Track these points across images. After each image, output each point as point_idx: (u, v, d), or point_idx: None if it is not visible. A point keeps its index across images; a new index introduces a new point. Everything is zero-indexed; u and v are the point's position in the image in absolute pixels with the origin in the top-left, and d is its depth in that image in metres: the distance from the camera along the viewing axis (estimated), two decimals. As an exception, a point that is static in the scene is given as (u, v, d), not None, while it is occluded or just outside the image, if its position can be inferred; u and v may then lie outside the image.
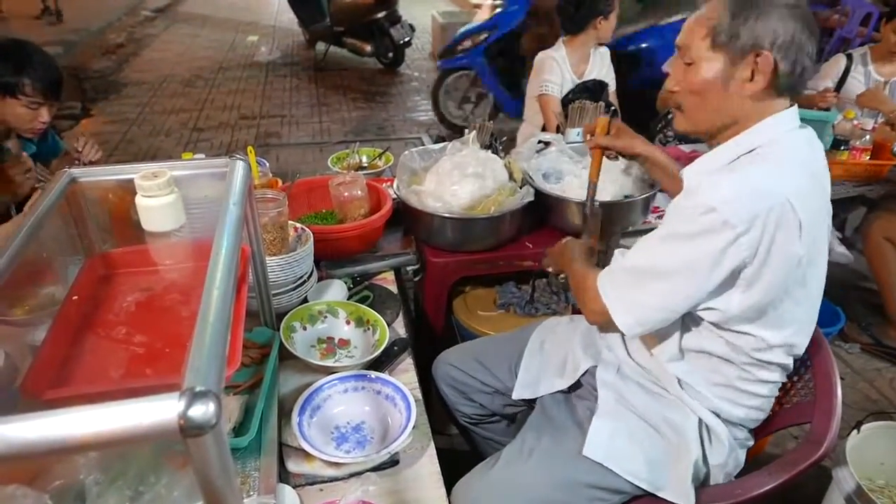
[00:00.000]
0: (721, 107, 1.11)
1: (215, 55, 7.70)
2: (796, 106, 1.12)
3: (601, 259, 1.47)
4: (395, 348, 1.44)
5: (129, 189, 0.96)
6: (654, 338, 1.23)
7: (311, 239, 1.56)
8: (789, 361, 1.20)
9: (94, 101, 5.93)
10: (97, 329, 0.93)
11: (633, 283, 1.13)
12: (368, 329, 1.48)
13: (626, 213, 1.98)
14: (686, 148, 2.72)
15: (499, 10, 4.84)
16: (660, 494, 1.18)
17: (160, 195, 0.94)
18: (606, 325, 1.21)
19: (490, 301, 2.01)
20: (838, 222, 3.25)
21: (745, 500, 1.17)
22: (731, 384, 1.19)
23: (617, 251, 1.25)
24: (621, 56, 3.04)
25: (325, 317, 1.51)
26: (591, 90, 2.79)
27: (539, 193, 1.88)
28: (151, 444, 0.87)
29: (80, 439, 0.49)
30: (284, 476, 1.15)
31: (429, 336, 2.01)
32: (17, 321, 1.00)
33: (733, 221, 0.99)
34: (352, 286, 1.69)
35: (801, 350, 1.20)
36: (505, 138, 2.16)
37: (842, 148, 2.63)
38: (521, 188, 1.89)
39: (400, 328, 1.58)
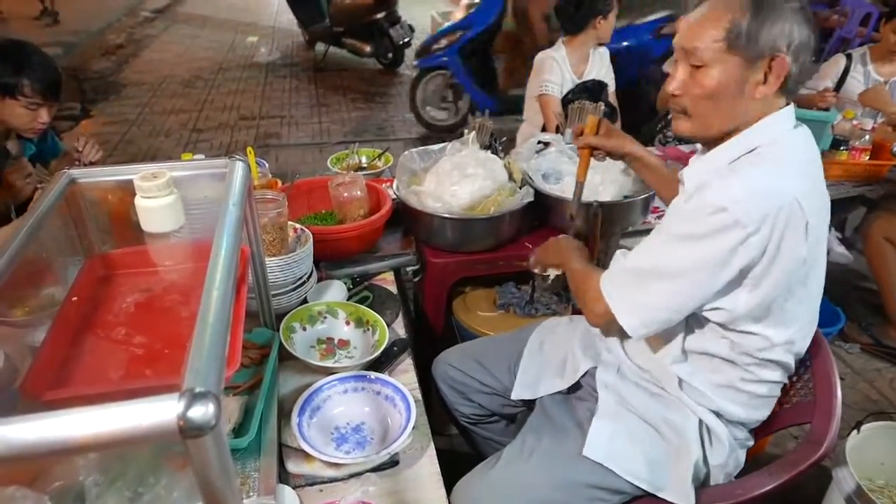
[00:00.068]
0: (732, 110, 1.09)
1: (215, 56, 7.70)
2: (793, 104, 1.12)
3: (601, 260, 1.47)
4: (395, 349, 1.44)
5: (128, 190, 0.96)
6: (657, 339, 1.23)
7: (311, 239, 1.56)
8: (791, 361, 1.20)
9: (93, 101, 5.94)
10: (97, 330, 0.93)
11: (638, 285, 1.13)
12: (368, 330, 1.48)
13: (625, 214, 1.98)
14: (685, 148, 2.72)
15: (473, 9, 4.84)
16: (660, 495, 1.18)
17: (160, 196, 0.94)
18: (609, 327, 1.21)
19: (490, 301, 2.01)
20: (838, 222, 3.26)
21: (746, 500, 1.17)
22: (733, 385, 1.19)
23: (619, 252, 1.25)
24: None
25: (325, 317, 1.51)
26: (590, 90, 2.80)
27: (539, 194, 1.88)
28: (151, 445, 0.87)
29: (80, 440, 0.49)
30: (284, 477, 1.15)
31: (429, 336, 2.01)
32: (16, 322, 1.00)
33: (744, 221, 0.99)
34: (351, 287, 1.69)
35: (802, 349, 1.21)
36: (505, 138, 2.16)
37: (841, 148, 2.63)
38: (520, 188, 1.89)
39: (400, 329, 1.58)
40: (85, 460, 0.87)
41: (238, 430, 1.12)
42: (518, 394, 1.45)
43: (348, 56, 6.96)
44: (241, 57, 7.69)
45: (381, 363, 1.40)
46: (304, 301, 1.55)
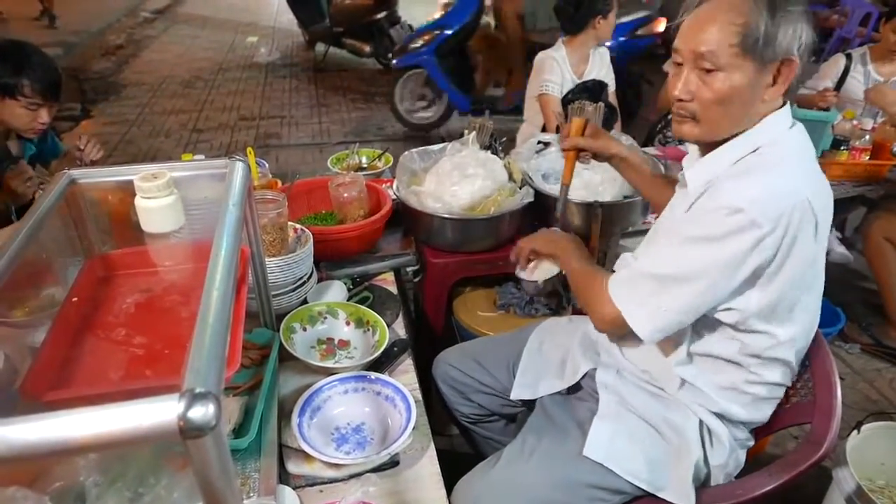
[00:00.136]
0: (743, 114, 1.08)
1: (215, 56, 7.70)
2: (789, 103, 1.12)
3: (600, 260, 1.46)
4: (395, 349, 1.44)
5: (128, 190, 0.96)
6: (662, 342, 1.21)
7: (311, 240, 1.56)
8: (794, 360, 1.20)
9: (93, 102, 5.94)
10: (97, 330, 0.93)
11: (651, 290, 1.11)
12: (368, 330, 1.48)
13: (625, 214, 1.98)
14: (686, 148, 2.72)
15: (449, 8, 4.83)
16: (660, 495, 1.18)
17: (160, 196, 0.94)
18: (617, 332, 1.19)
19: (490, 301, 2.01)
20: (838, 222, 3.26)
21: (746, 500, 1.17)
22: (737, 387, 1.19)
23: (628, 255, 1.24)
24: None
25: (325, 318, 1.51)
26: (590, 90, 2.79)
27: (538, 194, 1.88)
28: (151, 445, 0.87)
29: (80, 441, 0.49)
30: (284, 477, 1.15)
31: (429, 337, 2.01)
32: (16, 323, 0.99)
33: (760, 221, 0.99)
34: (351, 287, 1.69)
35: (805, 347, 1.21)
36: (505, 139, 2.16)
37: (841, 148, 2.63)
38: (520, 189, 1.89)
39: (400, 329, 1.58)
40: (85, 461, 0.87)
41: (238, 431, 1.12)
42: (517, 394, 1.45)
43: (348, 56, 6.96)
44: (241, 57, 7.69)
45: (382, 363, 1.40)
46: (305, 301, 1.55)
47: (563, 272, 1.44)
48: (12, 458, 0.49)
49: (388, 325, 1.49)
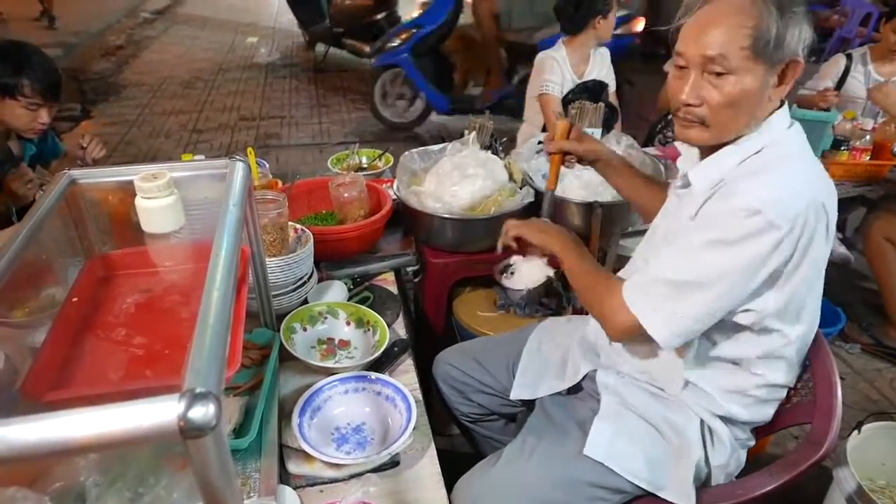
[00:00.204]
0: (751, 116, 1.07)
1: (215, 57, 7.70)
2: (787, 103, 1.12)
3: (600, 260, 1.44)
4: (396, 349, 1.44)
5: (128, 191, 0.96)
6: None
7: (311, 240, 1.56)
8: (797, 361, 1.21)
9: (93, 102, 5.94)
10: (97, 331, 0.93)
11: (671, 296, 1.08)
12: (368, 330, 1.48)
13: (625, 214, 1.98)
14: (680, 149, 2.71)
15: (427, 7, 4.83)
16: (660, 494, 1.18)
17: (160, 197, 0.94)
18: (632, 339, 1.17)
19: (490, 302, 2.01)
20: (838, 222, 3.25)
21: (746, 500, 1.17)
22: (742, 389, 1.20)
23: (638, 260, 1.23)
24: None
25: (326, 318, 1.51)
26: (590, 90, 2.80)
27: (539, 194, 1.88)
28: (151, 445, 0.87)
29: (81, 441, 0.49)
30: (285, 477, 1.15)
31: (429, 337, 2.01)
32: (17, 323, 1.00)
33: (778, 222, 0.98)
34: (352, 287, 1.69)
35: (807, 347, 1.22)
36: (505, 139, 2.16)
37: (842, 148, 2.63)
38: (520, 189, 1.89)
39: (400, 329, 1.58)
40: (85, 461, 0.87)
41: (238, 431, 1.12)
42: (517, 394, 1.45)
43: (348, 57, 6.96)
44: (241, 58, 7.69)
45: (382, 363, 1.40)
46: (305, 301, 1.55)
47: (553, 275, 1.42)
48: (12, 458, 0.49)
49: (389, 325, 1.49)
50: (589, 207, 1.88)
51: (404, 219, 1.96)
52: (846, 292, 2.98)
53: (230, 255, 0.75)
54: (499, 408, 1.57)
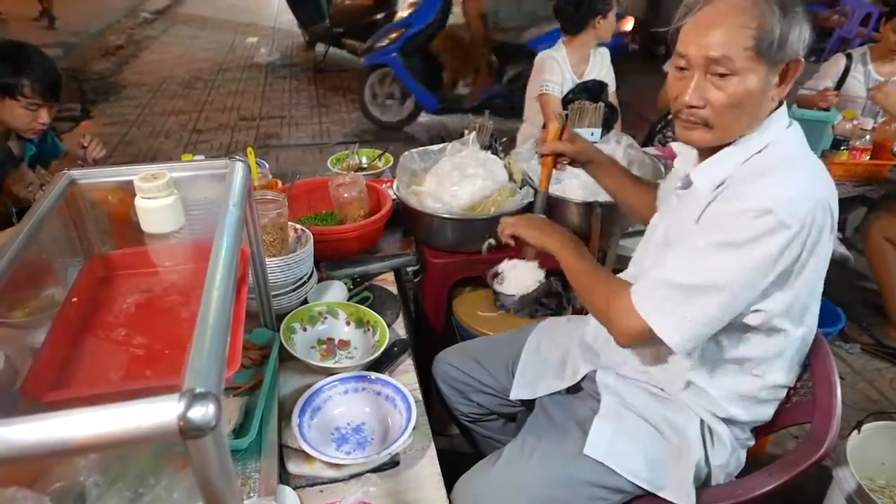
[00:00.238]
0: (753, 116, 1.07)
1: (215, 57, 7.70)
2: (785, 102, 1.12)
3: (599, 260, 1.43)
4: (395, 349, 1.44)
5: (128, 191, 0.96)
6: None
7: (311, 240, 1.56)
8: (798, 360, 1.21)
9: (93, 102, 5.94)
10: (97, 331, 0.93)
11: (681, 300, 1.06)
12: (368, 330, 1.48)
13: (625, 214, 1.98)
14: (675, 149, 2.71)
15: (414, 7, 4.83)
16: (660, 494, 1.18)
17: (160, 197, 0.94)
18: (642, 344, 1.16)
19: (490, 301, 2.01)
20: (838, 222, 3.25)
21: (746, 500, 1.17)
22: (743, 390, 1.20)
23: (639, 259, 1.22)
24: (536, 55, 3.03)
25: (325, 318, 1.51)
26: (590, 90, 2.80)
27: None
28: (151, 445, 0.87)
29: (80, 441, 0.49)
30: (285, 477, 1.15)
31: (429, 337, 2.01)
32: (16, 323, 0.99)
33: (789, 222, 0.98)
34: (352, 287, 1.69)
35: (808, 346, 1.22)
36: (505, 139, 2.16)
37: (842, 148, 2.63)
38: (520, 189, 1.89)
39: (400, 329, 1.58)
40: (85, 461, 0.87)
41: (238, 431, 1.12)
42: (516, 394, 1.45)
43: (348, 57, 6.95)
44: (240, 58, 7.69)
45: (382, 363, 1.40)
46: (305, 301, 1.55)
47: (544, 279, 1.41)
48: (12, 458, 0.49)
49: (389, 325, 1.49)
50: (589, 207, 1.88)
51: (404, 219, 1.96)
52: (846, 292, 2.98)
53: (230, 255, 0.75)
54: (498, 408, 1.57)
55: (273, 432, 1.15)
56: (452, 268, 1.89)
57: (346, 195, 1.81)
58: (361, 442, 1.22)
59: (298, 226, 1.62)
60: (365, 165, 2.35)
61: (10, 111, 1.87)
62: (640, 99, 4.05)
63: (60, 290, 1.01)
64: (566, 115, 2.29)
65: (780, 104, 1.11)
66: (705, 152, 1.15)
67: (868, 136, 2.66)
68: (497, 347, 1.58)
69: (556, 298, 2.00)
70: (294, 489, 1.11)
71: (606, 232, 1.97)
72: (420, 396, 1.34)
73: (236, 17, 10.03)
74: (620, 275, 1.34)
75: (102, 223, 1.09)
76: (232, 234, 0.80)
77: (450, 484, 1.19)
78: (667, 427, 1.23)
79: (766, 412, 1.25)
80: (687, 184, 1.18)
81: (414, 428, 1.18)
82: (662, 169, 2.05)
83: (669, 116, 3.20)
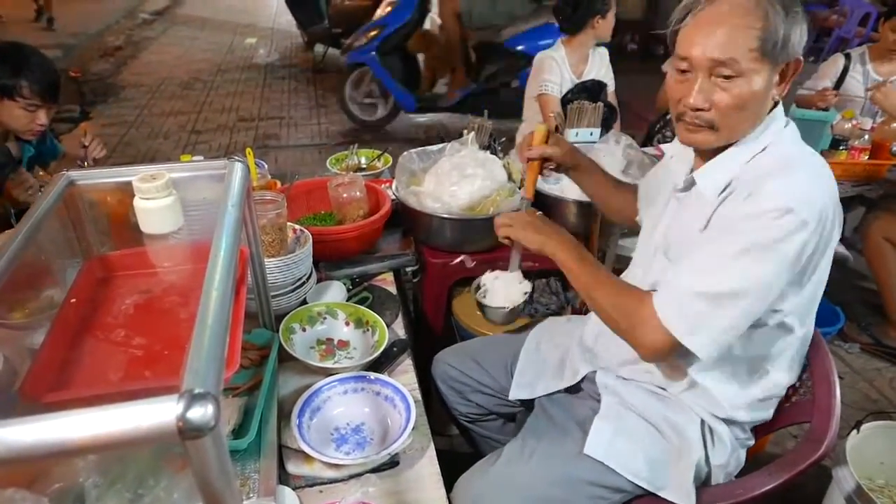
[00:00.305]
0: (757, 116, 1.07)
1: (213, 57, 7.70)
2: (781, 101, 1.12)
3: (599, 259, 1.42)
4: (395, 349, 1.44)
5: (127, 191, 0.96)
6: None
7: (310, 240, 1.56)
8: (799, 357, 1.21)
9: (92, 104, 5.92)
10: (96, 332, 0.93)
11: (708, 309, 1.03)
12: (368, 330, 1.48)
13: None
14: (665, 149, 2.71)
15: (392, 7, 4.84)
16: (660, 494, 1.18)
17: (158, 197, 0.94)
18: (666, 356, 1.12)
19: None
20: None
21: (746, 499, 1.17)
22: (746, 389, 1.20)
23: (639, 260, 1.21)
24: (513, 54, 2.99)
25: (325, 318, 1.51)
26: (589, 90, 2.80)
27: (538, 194, 1.87)
28: (150, 446, 0.87)
29: (79, 442, 0.49)
30: (284, 478, 1.15)
31: (428, 337, 2.01)
32: (15, 324, 0.99)
33: (808, 219, 0.98)
34: (351, 287, 1.69)
35: (808, 345, 1.23)
36: (504, 139, 2.16)
37: (840, 148, 2.63)
38: (519, 189, 1.89)
39: (399, 329, 1.58)
40: (84, 462, 0.87)
41: (237, 432, 1.12)
42: (515, 394, 1.45)
43: (347, 57, 6.97)
44: (239, 58, 7.70)
45: (381, 364, 1.40)
46: (304, 302, 1.55)
47: (529, 292, 1.41)
48: (11, 459, 0.49)
49: (388, 326, 1.49)
50: (589, 207, 1.88)
51: (403, 219, 1.96)
52: (845, 292, 2.98)
53: (229, 255, 0.75)
54: (497, 408, 1.57)
55: (272, 433, 1.15)
56: (452, 268, 1.89)
57: (345, 195, 1.81)
58: (361, 442, 1.22)
59: (297, 226, 1.62)
60: (364, 166, 2.35)
61: (9, 112, 1.87)
62: (639, 99, 4.05)
63: (59, 291, 1.01)
64: (561, 116, 2.29)
65: (777, 103, 1.11)
66: (706, 154, 1.14)
67: (867, 136, 2.66)
68: (496, 347, 1.58)
69: (555, 299, 2.00)
70: (293, 489, 1.11)
71: (606, 232, 1.97)
72: (419, 396, 1.34)
73: (235, 18, 10.03)
74: (624, 275, 1.34)
75: (101, 224, 1.09)
76: (231, 235, 0.80)
77: (449, 484, 1.19)
78: (667, 427, 1.23)
79: (767, 412, 1.25)
80: (688, 186, 1.17)
81: (413, 428, 1.18)
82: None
83: (668, 116, 3.20)
